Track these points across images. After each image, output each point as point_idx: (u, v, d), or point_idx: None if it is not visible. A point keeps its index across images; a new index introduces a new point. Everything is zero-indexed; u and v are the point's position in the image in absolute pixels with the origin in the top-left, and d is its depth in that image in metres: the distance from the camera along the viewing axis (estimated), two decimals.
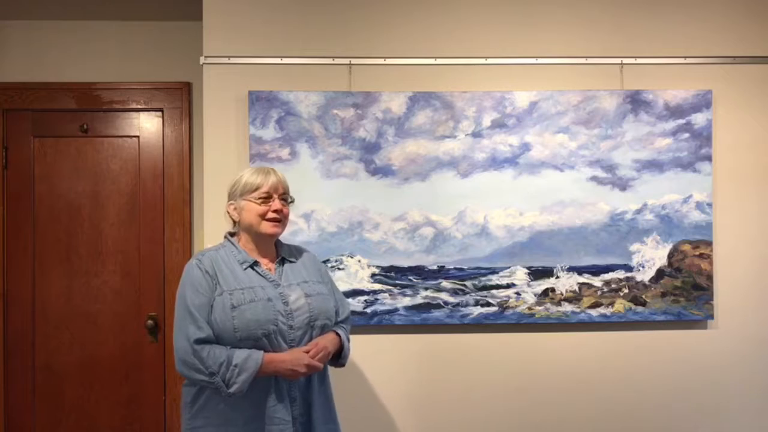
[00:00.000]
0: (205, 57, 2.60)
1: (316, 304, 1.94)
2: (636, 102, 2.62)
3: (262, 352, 1.82)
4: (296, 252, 2.08)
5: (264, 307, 1.86)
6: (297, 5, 2.64)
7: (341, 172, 2.58)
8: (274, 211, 1.93)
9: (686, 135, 2.63)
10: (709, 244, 2.63)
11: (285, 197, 1.98)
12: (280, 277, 1.96)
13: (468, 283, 2.60)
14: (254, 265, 1.93)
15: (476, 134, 2.61)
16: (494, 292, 2.60)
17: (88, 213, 3.10)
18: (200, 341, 1.81)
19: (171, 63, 3.11)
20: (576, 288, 2.61)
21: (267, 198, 1.93)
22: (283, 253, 2.03)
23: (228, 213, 2.00)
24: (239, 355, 1.80)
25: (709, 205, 2.63)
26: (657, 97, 2.63)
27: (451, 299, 2.59)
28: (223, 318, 1.83)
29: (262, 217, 1.93)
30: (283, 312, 1.88)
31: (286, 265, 2.00)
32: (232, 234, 2.02)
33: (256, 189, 1.93)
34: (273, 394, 1.86)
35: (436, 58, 2.64)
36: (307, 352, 1.88)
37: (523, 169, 2.61)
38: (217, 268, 1.88)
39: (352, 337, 2.58)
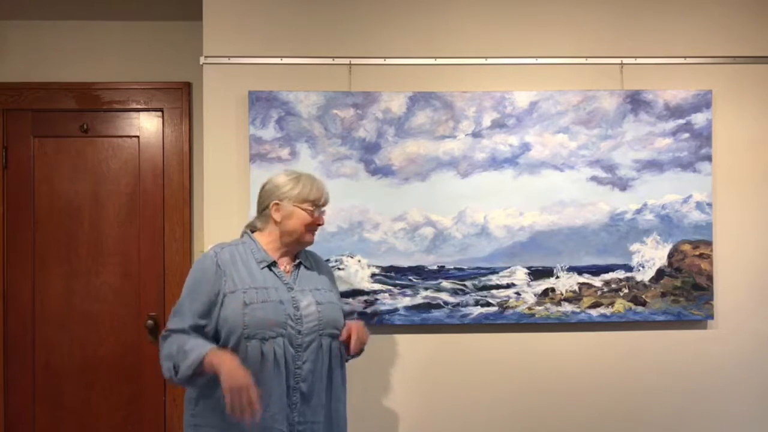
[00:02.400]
0: (205, 57, 2.60)
1: (325, 312, 1.94)
2: (636, 102, 2.62)
3: (213, 346, 1.80)
4: (312, 258, 2.10)
5: (275, 308, 1.86)
6: (297, 5, 2.64)
7: (341, 172, 2.58)
8: (318, 224, 2.00)
9: (686, 135, 2.63)
10: (709, 244, 2.63)
11: (324, 210, 2.05)
12: (294, 281, 1.96)
13: (468, 283, 2.60)
14: (272, 265, 1.95)
15: (476, 134, 2.61)
16: (494, 292, 2.60)
17: (88, 213, 3.10)
18: (174, 331, 1.85)
19: (171, 63, 3.11)
20: (576, 288, 2.61)
21: (315, 210, 1.98)
22: (301, 258, 2.04)
23: (269, 210, 1.97)
24: (193, 342, 1.80)
25: (709, 205, 2.63)
26: (657, 97, 2.63)
27: (451, 299, 2.59)
28: (234, 316, 1.83)
29: (308, 227, 1.97)
30: (293, 316, 1.88)
31: (302, 270, 2.01)
32: (252, 230, 2.02)
33: (313, 201, 1.97)
34: (272, 398, 1.84)
35: (436, 58, 2.64)
36: (349, 335, 1.93)
37: (523, 169, 2.61)
38: (233, 265, 1.90)
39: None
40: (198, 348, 1.78)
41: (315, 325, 1.91)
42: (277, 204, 1.96)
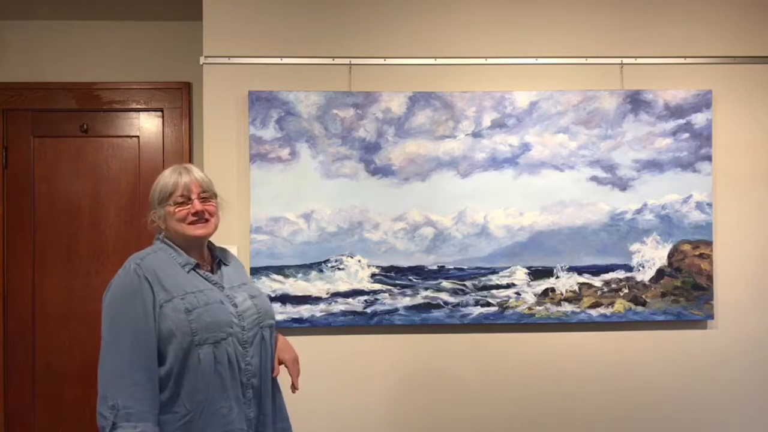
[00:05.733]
0: (205, 57, 2.60)
1: (261, 304, 1.90)
2: (636, 102, 2.62)
3: None
4: (227, 255, 2.00)
5: (219, 309, 1.79)
6: (297, 5, 2.64)
7: (341, 172, 2.58)
8: (194, 214, 1.82)
9: (686, 135, 2.63)
10: (709, 244, 2.63)
11: (206, 195, 1.86)
12: (221, 279, 1.89)
13: (468, 283, 2.60)
14: (195, 267, 1.85)
15: (476, 134, 2.61)
16: (494, 292, 2.60)
17: (88, 213, 3.10)
18: (129, 417, 1.67)
19: (171, 63, 3.11)
20: (576, 288, 2.61)
21: (186, 200, 1.83)
22: (219, 255, 1.95)
23: (153, 221, 1.87)
24: (150, 426, 1.69)
25: (709, 205, 2.63)
26: (657, 97, 2.63)
27: (451, 299, 2.59)
28: (178, 324, 1.73)
29: (184, 221, 1.82)
30: (235, 314, 1.82)
31: (224, 268, 1.93)
32: (165, 237, 1.88)
33: (171, 194, 1.82)
34: (231, 400, 1.78)
35: (436, 58, 2.64)
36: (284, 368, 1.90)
37: (523, 169, 2.61)
38: (158, 273, 1.76)
39: (352, 336, 2.60)
40: None
41: (255, 318, 1.86)
42: (154, 212, 1.86)
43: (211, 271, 1.90)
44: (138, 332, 1.71)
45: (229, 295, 1.86)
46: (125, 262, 1.79)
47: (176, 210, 1.82)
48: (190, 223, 1.82)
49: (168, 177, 1.84)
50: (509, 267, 2.61)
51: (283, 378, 1.93)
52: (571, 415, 2.64)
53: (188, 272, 1.81)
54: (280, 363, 1.95)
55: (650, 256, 2.62)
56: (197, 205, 1.83)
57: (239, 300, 1.86)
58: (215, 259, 1.94)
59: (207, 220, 1.85)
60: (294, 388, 1.95)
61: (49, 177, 3.09)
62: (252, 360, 1.84)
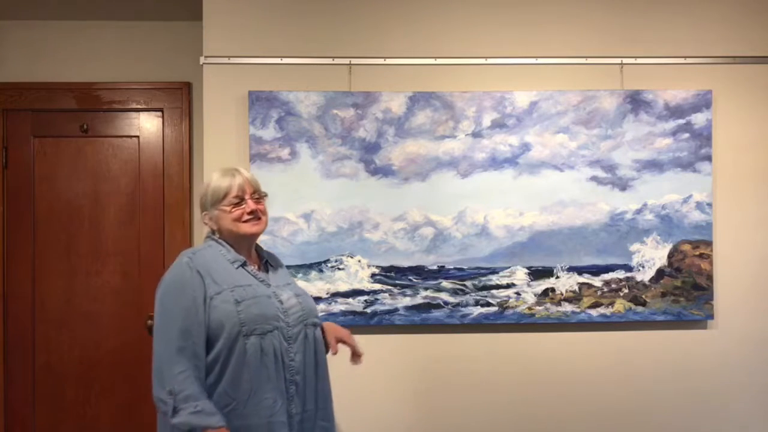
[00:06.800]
0: (205, 57, 2.60)
1: (305, 303, 1.97)
2: (636, 102, 2.62)
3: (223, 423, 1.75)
4: (274, 258, 2.08)
5: (267, 302, 1.87)
6: (297, 5, 2.64)
7: (341, 172, 2.58)
8: (250, 213, 1.91)
9: (686, 135, 2.63)
10: (709, 244, 2.63)
11: (257, 195, 1.95)
12: (267, 278, 1.96)
13: (468, 283, 2.60)
14: (244, 264, 1.92)
15: (476, 134, 2.61)
16: (494, 292, 2.60)
17: (88, 213, 3.10)
18: (188, 398, 1.73)
19: (171, 63, 3.11)
20: (576, 288, 2.61)
21: (239, 201, 1.91)
22: (266, 257, 2.03)
23: (205, 224, 1.96)
24: (207, 403, 1.75)
25: (709, 205, 2.63)
26: (657, 97, 2.63)
27: (451, 299, 2.59)
28: (227, 314, 1.81)
29: (239, 220, 1.90)
30: (281, 309, 1.89)
31: (270, 270, 2.01)
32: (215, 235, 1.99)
33: (225, 196, 1.90)
34: (276, 392, 1.83)
35: (436, 58, 2.64)
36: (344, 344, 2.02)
37: (523, 169, 2.61)
38: (209, 267, 1.86)
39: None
40: (211, 417, 1.72)
41: (299, 316, 1.92)
42: (206, 214, 1.95)
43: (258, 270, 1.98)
44: (188, 322, 1.79)
45: (275, 292, 1.92)
46: (177, 257, 1.90)
47: (232, 210, 1.90)
48: (245, 222, 1.91)
49: (221, 180, 1.93)
50: (509, 267, 2.61)
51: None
52: (572, 415, 2.64)
53: (237, 268, 1.90)
54: (339, 341, 2.03)
55: (650, 256, 2.62)
56: (252, 205, 1.92)
57: (284, 297, 1.93)
58: (262, 260, 2.02)
59: (260, 218, 1.94)
60: (358, 356, 2.06)
61: (49, 177, 3.09)
62: (296, 357, 1.89)
